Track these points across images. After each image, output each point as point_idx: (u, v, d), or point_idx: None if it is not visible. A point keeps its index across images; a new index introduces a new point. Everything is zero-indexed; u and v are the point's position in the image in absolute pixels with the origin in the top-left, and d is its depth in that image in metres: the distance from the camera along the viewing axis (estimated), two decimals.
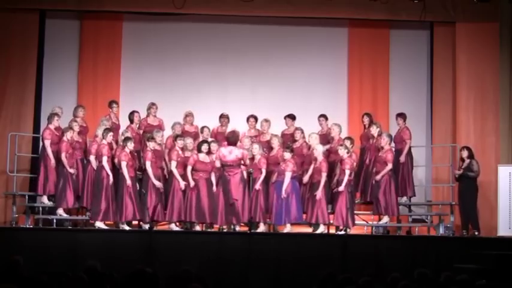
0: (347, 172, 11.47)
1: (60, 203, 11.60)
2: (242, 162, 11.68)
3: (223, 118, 12.63)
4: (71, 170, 11.58)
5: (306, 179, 11.82)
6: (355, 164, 11.87)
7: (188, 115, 12.53)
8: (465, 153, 12.03)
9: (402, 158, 12.16)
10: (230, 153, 11.66)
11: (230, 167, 11.59)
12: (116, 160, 11.56)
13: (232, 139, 11.84)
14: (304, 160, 12.03)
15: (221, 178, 11.65)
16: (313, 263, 10.55)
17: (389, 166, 11.74)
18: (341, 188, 11.44)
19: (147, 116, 12.46)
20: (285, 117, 12.57)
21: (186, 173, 11.62)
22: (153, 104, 12.44)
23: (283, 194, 11.45)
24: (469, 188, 11.88)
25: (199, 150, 11.70)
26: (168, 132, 12.40)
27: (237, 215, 11.48)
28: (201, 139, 12.12)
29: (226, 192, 11.51)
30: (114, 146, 11.86)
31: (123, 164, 11.38)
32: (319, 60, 13.74)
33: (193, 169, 11.61)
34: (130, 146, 11.54)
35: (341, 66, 13.80)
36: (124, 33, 13.65)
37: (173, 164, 11.62)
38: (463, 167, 11.98)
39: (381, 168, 11.77)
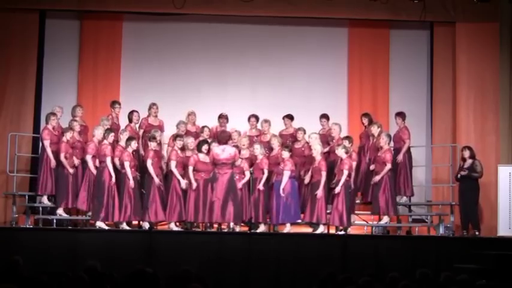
0: (345, 172, 11.46)
1: (60, 203, 11.59)
2: (235, 159, 11.69)
3: (222, 118, 12.63)
4: (71, 170, 11.57)
5: (307, 179, 11.82)
6: (354, 163, 11.87)
7: (190, 114, 12.54)
8: (467, 153, 12.01)
9: (400, 157, 12.16)
10: (223, 151, 11.68)
11: (222, 165, 11.58)
12: (116, 160, 11.55)
13: (223, 138, 11.85)
14: (306, 161, 12.03)
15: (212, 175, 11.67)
16: (313, 263, 10.55)
17: (388, 166, 11.74)
18: (338, 188, 11.44)
19: (148, 116, 12.46)
20: (283, 118, 12.59)
21: (186, 173, 11.62)
22: (153, 104, 12.44)
23: (282, 193, 11.46)
24: (470, 187, 11.87)
25: (199, 150, 11.70)
26: (171, 131, 12.39)
27: (218, 214, 11.40)
28: (200, 139, 12.11)
29: (213, 189, 11.51)
30: (114, 146, 11.84)
31: (127, 165, 11.38)
32: (319, 60, 13.74)
33: (194, 169, 11.60)
34: (134, 146, 11.54)
35: (341, 66, 13.80)
36: (124, 33, 13.65)
37: (173, 164, 11.62)
38: (465, 167, 11.95)
39: (380, 169, 11.78)
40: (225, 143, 11.83)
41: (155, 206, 11.46)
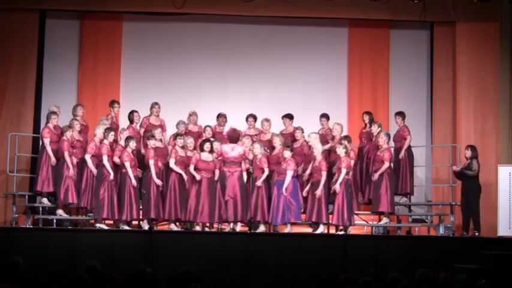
0: (343, 171, 11.47)
1: (60, 200, 11.59)
2: (244, 158, 11.71)
3: (221, 117, 12.63)
4: (71, 172, 11.55)
5: (305, 176, 11.81)
6: (352, 162, 11.87)
7: (192, 114, 12.53)
8: (468, 153, 12.01)
9: (401, 154, 12.17)
10: (232, 149, 11.71)
11: (231, 163, 11.62)
12: (116, 159, 11.55)
13: (234, 137, 11.87)
14: (304, 160, 12.04)
15: (220, 174, 11.67)
16: (313, 263, 10.56)
17: (386, 164, 11.75)
18: (337, 187, 11.45)
19: (149, 115, 12.46)
20: (282, 117, 12.58)
21: (186, 172, 11.62)
22: (155, 103, 12.45)
23: (284, 193, 11.46)
24: (472, 187, 11.87)
25: (201, 149, 11.71)
26: (170, 131, 12.40)
27: (232, 213, 11.47)
28: (203, 138, 12.10)
29: (223, 188, 11.54)
30: (114, 145, 11.84)
31: (127, 164, 11.38)
32: (319, 60, 13.74)
33: (195, 168, 11.60)
34: (133, 145, 11.54)
35: (341, 66, 13.80)
36: (124, 33, 13.65)
37: (171, 161, 11.61)
38: (464, 165, 11.97)
39: (379, 167, 11.79)
40: (235, 141, 11.83)
41: (154, 204, 11.46)
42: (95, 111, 13.07)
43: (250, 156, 11.78)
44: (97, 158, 11.58)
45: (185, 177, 11.56)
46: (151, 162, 11.51)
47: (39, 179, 11.79)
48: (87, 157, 11.58)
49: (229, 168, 11.62)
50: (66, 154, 11.57)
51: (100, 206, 11.36)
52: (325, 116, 12.57)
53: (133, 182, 11.40)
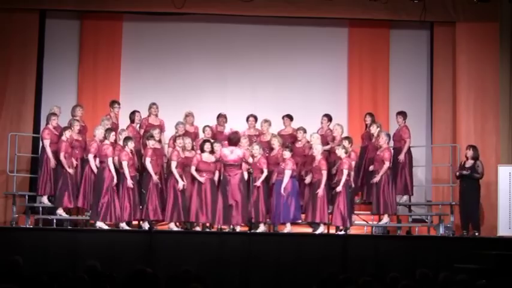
0: (345, 172, 11.46)
1: (59, 203, 11.59)
2: (243, 161, 11.69)
3: (221, 118, 12.62)
4: (70, 170, 11.56)
5: (308, 179, 11.80)
6: (353, 163, 11.86)
7: (188, 115, 12.52)
8: (470, 153, 11.97)
9: (401, 157, 12.17)
10: (232, 152, 11.68)
11: (231, 166, 11.60)
12: (115, 159, 11.55)
13: (234, 140, 11.85)
14: (306, 160, 12.03)
15: (221, 178, 11.66)
16: (313, 263, 10.56)
17: (387, 164, 11.74)
18: (339, 188, 11.44)
19: (148, 115, 12.46)
20: (283, 117, 12.57)
21: (185, 173, 11.60)
22: (153, 103, 12.45)
23: (283, 192, 11.45)
24: (472, 187, 11.85)
25: (202, 150, 11.69)
26: (170, 131, 12.40)
27: (235, 217, 11.48)
28: (203, 139, 12.09)
29: (225, 192, 11.52)
30: (114, 145, 11.83)
31: (124, 164, 11.38)
32: (319, 60, 13.74)
33: (196, 169, 11.60)
34: (131, 145, 11.54)
35: (341, 66, 13.80)
36: (124, 33, 13.65)
37: (173, 165, 11.60)
38: (467, 166, 11.94)
39: (379, 167, 11.78)
40: (235, 144, 11.82)
41: (153, 204, 11.46)
42: (95, 111, 13.08)
43: (250, 160, 11.75)
44: (97, 158, 11.57)
45: (181, 183, 11.49)
46: (147, 160, 11.50)
47: (41, 183, 11.78)
48: (90, 157, 11.57)
49: (229, 172, 11.59)
50: (61, 155, 11.54)
51: (98, 207, 11.34)
52: (326, 116, 12.54)
53: (129, 182, 11.38)
